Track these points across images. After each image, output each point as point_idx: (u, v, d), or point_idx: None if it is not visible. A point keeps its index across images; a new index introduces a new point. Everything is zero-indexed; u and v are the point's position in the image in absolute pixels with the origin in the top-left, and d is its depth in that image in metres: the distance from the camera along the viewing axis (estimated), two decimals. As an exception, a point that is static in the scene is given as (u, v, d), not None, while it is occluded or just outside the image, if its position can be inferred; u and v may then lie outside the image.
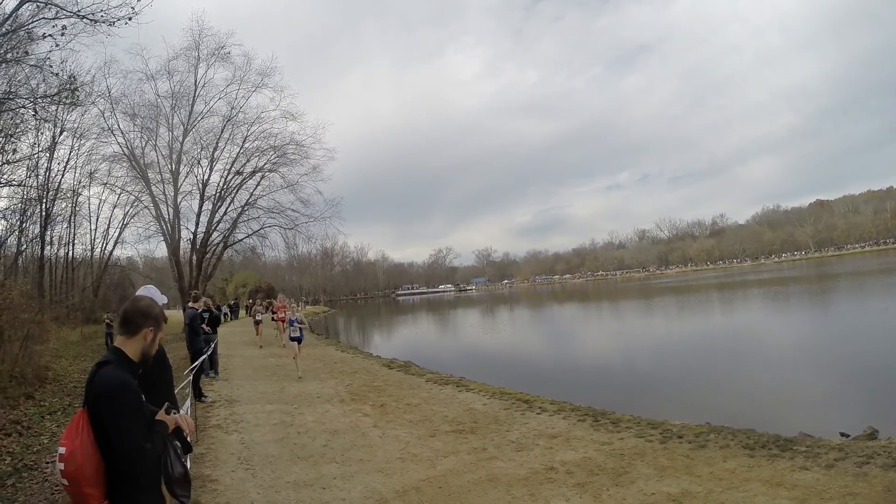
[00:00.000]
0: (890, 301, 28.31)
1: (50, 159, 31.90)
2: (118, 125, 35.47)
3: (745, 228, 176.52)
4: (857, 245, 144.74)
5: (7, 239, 28.73)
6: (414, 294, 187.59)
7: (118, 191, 37.86)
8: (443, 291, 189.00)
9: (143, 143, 36.84)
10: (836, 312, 28.35)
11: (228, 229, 41.23)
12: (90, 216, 38.87)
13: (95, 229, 39.21)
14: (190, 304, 14.08)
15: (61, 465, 2.51)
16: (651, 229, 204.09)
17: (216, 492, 6.36)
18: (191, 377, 9.30)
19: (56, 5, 14.81)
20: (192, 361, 11.78)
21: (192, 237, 39.74)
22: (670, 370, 17.25)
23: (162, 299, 3.66)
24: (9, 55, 16.32)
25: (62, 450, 2.52)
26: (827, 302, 34.26)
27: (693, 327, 28.98)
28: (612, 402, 10.96)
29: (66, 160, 33.90)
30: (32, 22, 15.55)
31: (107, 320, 19.52)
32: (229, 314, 44.06)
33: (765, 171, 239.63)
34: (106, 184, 37.22)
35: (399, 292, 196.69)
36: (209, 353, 14.26)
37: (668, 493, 5.65)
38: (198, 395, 11.51)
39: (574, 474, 6.42)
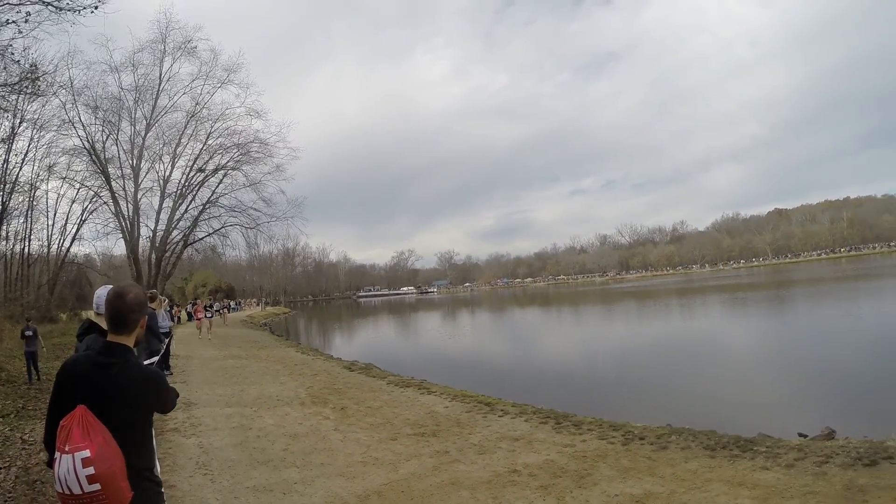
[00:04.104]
0: (846, 306, 29.09)
1: (8, 151, 30.89)
2: (80, 117, 34.57)
3: (705, 235, 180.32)
4: (813, 253, 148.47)
5: (-40, 233, 27.92)
6: (375, 296, 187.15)
7: (77, 185, 36.71)
8: (404, 294, 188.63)
9: (105, 136, 35.97)
10: (793, 317, 29.05)
11: (189, 228, 40.58)
12: (48, 211, 37.66)
13: (53, 225, 37.98)
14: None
15: (89, 470, 2.32)
16: (612, 235, 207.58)
17: (174, 498, 6.18)
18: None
19: (21, -9, 14.40)
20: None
21: (151, 235, 39.03)
22: (631, 373, 17.43)
23: None
24: (-31, 41, 15.80)
25: (85, 453, 2.33)
26: (783, 307, 35.08)
27: (653, 331, 29.40)
28: (573, 404, 10.97)
29: (24, 152, 32.81)
30: (-5, 8, 15.07)
31: (27, 332, 15.46)
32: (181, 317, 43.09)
33: (726, 180, 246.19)
34: (65, 178, 36.04)
35: (360, 294, 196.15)
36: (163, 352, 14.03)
37: (631, 494, 5.65)
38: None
39: (537, 477, 6.39)
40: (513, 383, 16.02)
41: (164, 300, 15.84)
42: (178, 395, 3.05)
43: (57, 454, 2.42)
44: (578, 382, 16.58)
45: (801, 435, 8.31)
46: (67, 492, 2.37)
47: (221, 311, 47.90)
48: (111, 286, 2.93)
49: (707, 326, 28.71)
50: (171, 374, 15.61)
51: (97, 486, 2.34)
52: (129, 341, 2.73)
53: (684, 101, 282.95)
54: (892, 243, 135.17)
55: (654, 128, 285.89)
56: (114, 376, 2.55)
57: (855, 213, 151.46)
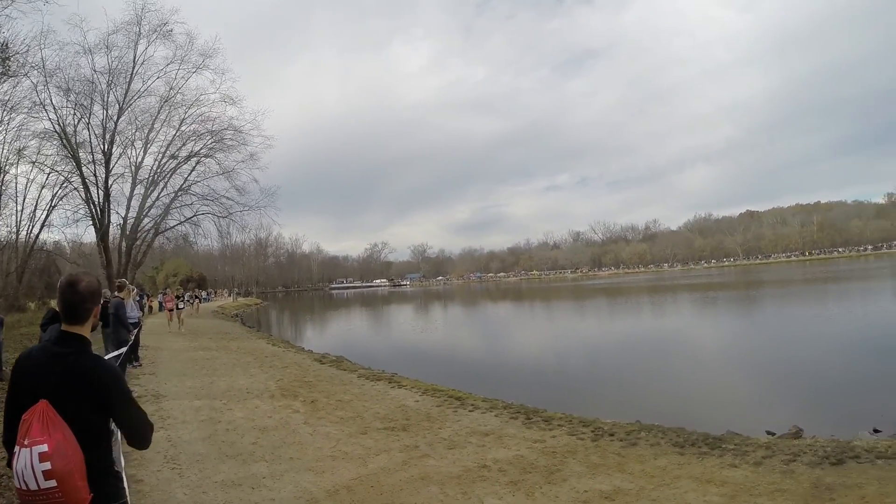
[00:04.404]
0: (815, 307, 29.57)
1: (-24, 133, 30.25)
2: (51, 100, 33.64)
3: (677, 234, 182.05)
4: (783, 255, 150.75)
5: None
6: (348, 288, 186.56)
7: (47, 170, 35.63)
8: (377, 286, 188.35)
9: (76, 120, 35.06)
10: (762, 317, 29.48)
11: (160, 215, 39.90)
12: (17, 196, 36.43)
13: (22, 210, 36.80)
14: (115, 294, 13.63)
15: (45, 465, 2.26)
16: (586, 231, 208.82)
17: (141, 493, 6.08)
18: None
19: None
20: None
21: (122, 222, 38.33)
22: (601, 369, 17.58)
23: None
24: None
25: (43, 447, 2.27)
26: (754, 307, 35.60)
27: (624, 328, 29.66)
28: (544, 400, 11.05)
29: (-7, 135, 32.10)
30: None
31: None
32: (153, 307, 42.46)
33: (699, 180, 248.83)
34: (35, 162, 34.98)
35: (333, 286, 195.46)
36: (132, 343, 13.82)
37: (600, 490, 5.67)
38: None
39: (507, 472, 6.40)
40: (484, 378, 16.06)
41: (133, 290, 15.61)
42: (152, 428, 2.80)
43: (17, 448, 2.36)
44: (549, 378, 16.67)
45: (769, 433, 8.44)
46: (24, 487, 2.31)
47: (194, 301, 46.78)
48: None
49: (678, 324, 29.04)
50: (140, 365, 15.32)
51: (53, 483, 2.28)
52: (84, 331, 2.65)
53: (661, 101, 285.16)
54: (859, 248, 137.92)
55: (631, 127, 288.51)
56: (68, 367, 2.48)
57: (825, 217, 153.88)
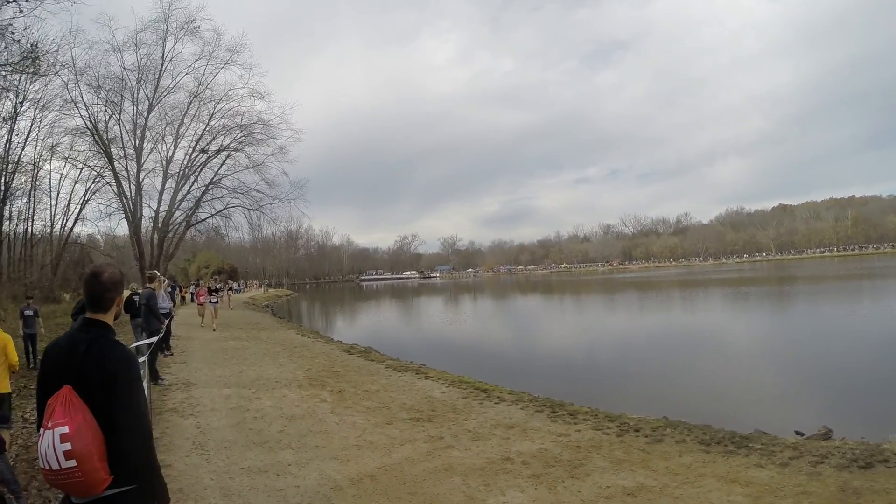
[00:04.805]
0: (849, 305, 29.03)
1: (10, 131, 30.68)
2: (82, 97, 34.47)
3: (709, 228, 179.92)
4: (816, 250, 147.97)
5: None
6: (378, 280, 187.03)
7: (80, 166, 36.58)
8: (407, 278, 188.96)
9: (107, 116, 35.89)
10: (795, 314, 28.91)
11: (191, 208, 40.63)
12: (50, 191, 37.51)
13: (56, 205, 37.86)
14: (147, 285, 13.88)
15: (66, 446, 2.37)
16: (616, 224, 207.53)
17: (169, 477, 6.15)
18: (146, 358, 9.11)
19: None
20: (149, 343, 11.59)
21: (154, 215, 39.08)
22: (630, 363, 17.42)
23: None
24: (-31, 21, 15.75)
25: (64, 429, 2.39)
26: (786, 303, 34.91)
27: (654, 322, 29.35)
28: (570, 393, 11.00)
29: (27, 132, 32.62)
30: (-5, -14, 15.02)
31: (27, 312, 14.64)
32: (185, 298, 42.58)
33: (731, 173, 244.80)
34: (67, 158, 35.88)
35: (363, 277, 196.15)
36: (164, 333, 14.06)
37: (623, 486, 5.65)
38: (154, 377, 11.32)
39: (530, 465, 6.41)
40: (511, 370, 16.02)
41: (165, 281, 15.85)
42: (150, 434, 2.74)
43: (41, 430, 2.48)
44: (576, 371, 16.56)
45: (797, 433, 8.29)
46: (47, 467, 2.43)
47: (228, 293, 46.17)
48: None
49: (708, 320, 28.66)
50: (172, 354, 15.68)
51: (73, 463, 2.38)
52: (108, 318, 2.78)
53: (691, 92, 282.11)
54: (895, 244, 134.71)
55: (660, 119, 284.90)
56: (87, 351, 2.59)
57: (859, 212, 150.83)
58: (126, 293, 13.48)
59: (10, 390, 7.72)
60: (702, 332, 23.95)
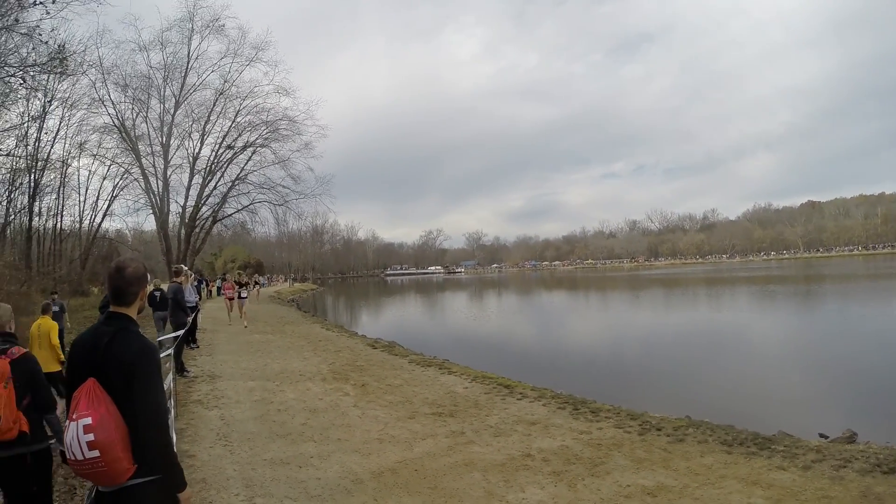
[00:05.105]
0: (879, 306, 28.56)
1: (39, 129, 31.42)
2: (109, 96, 35.32)
3: (736, 225, 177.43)
4: (845, 248, 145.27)
5: (-6, 209, 28.45)
6: (403, 274, 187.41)
7: (108, 162, 37.42)
8: (432, 273, 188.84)
9: (135, 114, 36.72)
10: (823, 314, 28.41)
11: (218, 204, 41.29)
12: (79, 187, 38.25)
13: (84, 201, 38.57)
14: (173, 279, 14.09)
15: (89, 437, 2.46)
16: (642, 220, 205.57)
17: (193, 467, 6.33)
18: (172, 351, 9.24)
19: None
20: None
21: (181, 211, 39.72)
22: (653, 362, 17.30)
23: None
24: (-2, 23, 16.11)
25: (87, 420, 2.48)
26: (813, 303, 34.38)
27: (679, 320, 29.10)
28: (592, 390, 10.97)
29: (55, 130, 33.37)
30: (23, -11, 15.31)
31: (53, 308, 13.82)
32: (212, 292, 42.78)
33: (759, 169, 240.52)
34: (96, 155, 36.68)
35: (388, 272, 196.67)
36: (189, 326, 14.27)
37: (643, 485, 5.64)
38: (180, 369, 11.49)
39: (550, 462, 6.42)
40: (533, 366, 16.02)
41: (191, 275, 16.06)
42: (166, 426, 2.76)
43: (67, 422, 2.58)
44: (600, 369, 16.51)
45: (821, 436, 8.21)
46: (73, 457, 2.52)
47: (256, 288, 45.46)
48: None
49: (734, 319, 28.29)
50: (198, 347, 15.92)
51: (97, 453, 2.47)
52: (131, 312, 2.85)
53: (718, 86, 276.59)
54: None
55: (687, 113, 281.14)
56: (109, 343, 2.66)
57: (890, 210, 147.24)
58: (149, 288, 13.65)
59: (60, 369, 8.50)
60: (727, 330, 23.69)
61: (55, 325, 9.66)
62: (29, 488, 4.22)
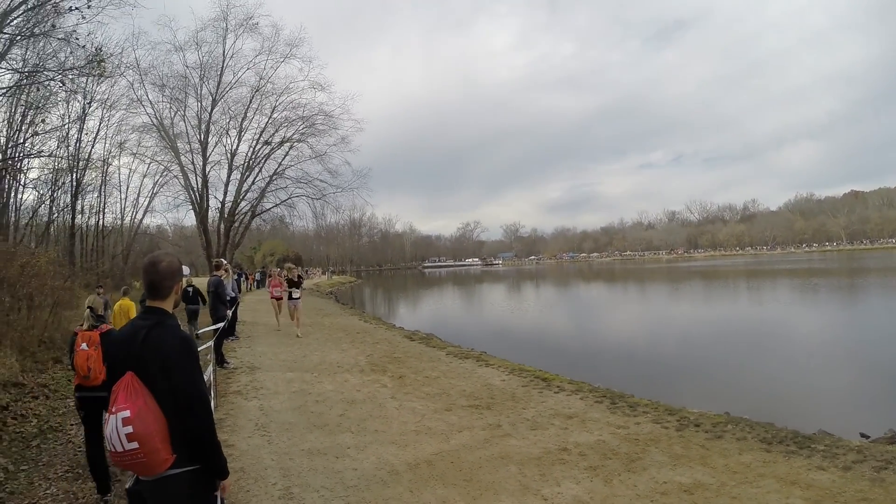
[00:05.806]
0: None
1: (80, 130, 31.86)
2: (147, 96, 35.81)
3: (777, 215, 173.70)
4: (890, 240, 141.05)
5: (38, 208, 29.18)
6: (440, 267, 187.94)
7: (148, 161, 38.00)
8: (469, 265, 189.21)
9: (172, 113, 37.20)
10: (867, 309, 27.72)
11: (256, 199, 41.54)
12: (120, 185, 38.95)
13: (125, 198, 39.36)
14: (213, 273, 14.35)
15: (128, 429, 2.56)
16: (681, 211, 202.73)
17: (231, 457, 6.45)
18: (212, 343, 9.42)
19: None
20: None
21: (220, 206, 40.21)
22: (693, 356, 17.13)
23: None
24: (36, 29, 16.59)
25: (126, 413, 2.58)
26: (858, 298, 33.55)
27: (718, 314, 28.68)
28: (631, 385, 10.91)
29: (95, 131, 33.83)
30: (58, -5, 15.68)
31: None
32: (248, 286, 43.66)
33: (800, 157, 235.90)
34: (135, 154, 37.27)
35: (426, 264, 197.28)
36: (231, 318, 14.52)
37: (680, 482, 5.60)
38: (220, 361, 11.70)
39: (587, 457, 6.41)
40: (571, 360, 15.98)
41: (232, 271, 16.32)
42: (209, 412, 2.85)
43: (106, 415, 2.70)
44: (638, 363, 16.38)
45: (862, 435, 8.05)
46: (113, 449, 2.63)
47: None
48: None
49: (776, 313, 27.72)
50: (237, 338, 16.19)
51: (135, 445, 2.56)
52: (167, 305, 2.94)
53: (757, 73, 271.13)
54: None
55: (726, 101, 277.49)
56: (146, 336, 2.74)
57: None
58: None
59: None
60: (768, 325, 23.26)
61: (132, 304, 12.62)
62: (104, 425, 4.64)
